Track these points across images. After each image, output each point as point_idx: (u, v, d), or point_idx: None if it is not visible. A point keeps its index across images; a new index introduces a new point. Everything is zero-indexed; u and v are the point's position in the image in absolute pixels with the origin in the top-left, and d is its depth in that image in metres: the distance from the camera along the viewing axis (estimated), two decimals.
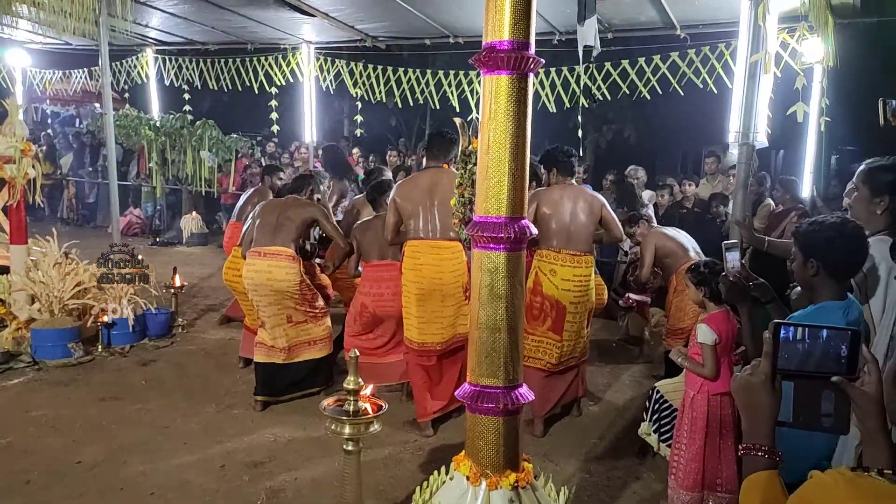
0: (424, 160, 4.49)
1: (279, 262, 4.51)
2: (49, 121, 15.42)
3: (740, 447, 1.33)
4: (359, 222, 5.01)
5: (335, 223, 4.88)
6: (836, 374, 1.25)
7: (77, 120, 15.33)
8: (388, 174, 5.56)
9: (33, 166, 5.71)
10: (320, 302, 4.78)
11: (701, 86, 7.62)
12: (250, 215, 5.00)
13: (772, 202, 7.11)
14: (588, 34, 5.04)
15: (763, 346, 1.30)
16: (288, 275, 4.50)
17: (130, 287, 5.78)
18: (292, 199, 4.90)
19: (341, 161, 7.96)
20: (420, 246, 4.17)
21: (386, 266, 4.57)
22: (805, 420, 1.30)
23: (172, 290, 6.30)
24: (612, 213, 4.52)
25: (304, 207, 4.76)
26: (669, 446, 3.42)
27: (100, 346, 5.55)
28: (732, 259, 2.61)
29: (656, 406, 3.69)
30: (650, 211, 7.04)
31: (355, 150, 11.77)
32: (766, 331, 1.30)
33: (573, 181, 4.56)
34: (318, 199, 5.12)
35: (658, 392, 3.71)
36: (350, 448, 2.59)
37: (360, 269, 4.79)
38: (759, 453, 1.29)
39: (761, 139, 4.40)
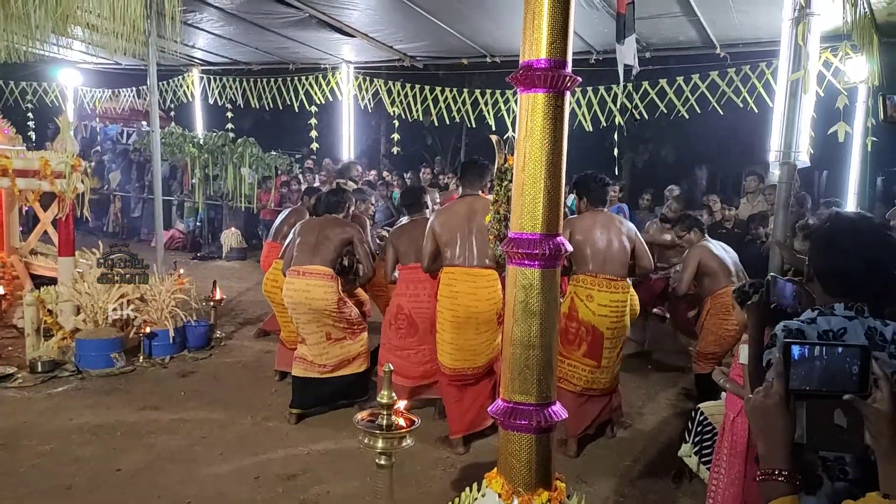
0: (460, 189, 4.51)
1: (317, 282, 4.57)
2: (98, 138, 15.95)
3: (757, 473, 1.29)
4: (394, 227, 5.05)
5: (367, 248, 4.93)
6: (848, 391, 1.23)
7: (123, 133, 15.84)
8: (435, 195, 5.56)
9: (82, 181, 5.91)
10: (358, 318, 4.84)
11: (741, 105, 7.54)
12: (291, 232, 5.08)
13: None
14: (627, 53, 5.03)
15: (775, 367, 1.28)
16: (326, 294, 4.56)
17: (172, 299, 5.91)
18: (331, 218, 4.96)
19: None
20: (456, 273, 4.19)
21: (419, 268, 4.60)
22: (819, 440, 1.27)
23: (212, 304, 6.43)
24: (644, 243, 4.47)
25: (343, 227, 4.83)
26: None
27: (141, 357, 5.68)
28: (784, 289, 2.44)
29: (699, 428, 3.60)
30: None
31: (384, 173, 11.93)
32: (774, 348, 1.28)
33: (604, 209, 4.47)
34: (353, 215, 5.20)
35: (702, 413, 3.63)
36: (383, 462, 2.60)
37: (395, 274, 4.82)
38: (779, 478, 1.25)
39: (803, 158, 4.32)
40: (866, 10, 5.41)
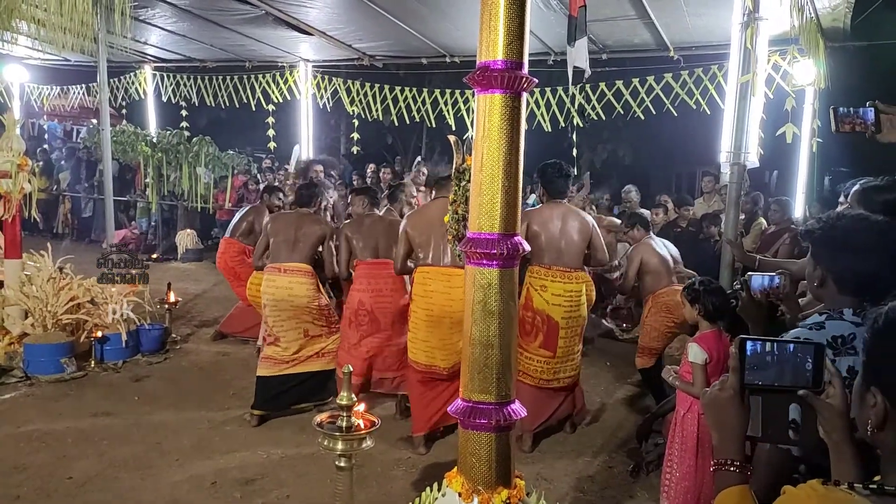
0: (434, 193, 4.61)
1: (299, 279, 4.65)
2: (46, 136, 15.43)
3: (711, 463, 1.33)
4: (348, 221, 5.07)
5: (332, 247, 4.93)
6: (802, 387, 1.27)
7: (73, 131, 15.36)
8: (413, 189, 5.60)
9: (29, 181, 5.72)
10: (335, 317, 4.90)
11: (694, 106, 7.71)
12: (266, 229, 5.01)
13: (764, 221, 7.16)
14: (578, 56, 5.08)
15: (731, 362, 1.31)
16: (308, 291, 4.65)
17: (128, 288, 5.77)
18: (305, 214, 4.99)
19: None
20: (430, 272, 4.25)
21: (384, 264, 4.63)
22: (773, 434, 1.31)
23: (166, 306, 6.30)
24: (601, 236, 4.56)
25: (318, 224, 4.89)
26: None
27: (93, 362, 5.52)
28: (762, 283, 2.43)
29: None
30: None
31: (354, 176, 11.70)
32: (731, 346, 1.32)
33: (564, 201, 4.56)
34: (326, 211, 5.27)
35: None
36: (343, 464, 2.58)
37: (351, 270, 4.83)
38: (731, 468, 1.29)
39: (752, 159, 4.45)
40: (812, 15, 5.59)
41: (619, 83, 8.21)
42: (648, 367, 4.95)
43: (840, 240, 1.77)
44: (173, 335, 6.31)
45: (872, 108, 2.44)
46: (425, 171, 8.51)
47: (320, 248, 4.88)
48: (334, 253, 4.89)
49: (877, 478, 1.10)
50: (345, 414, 2.55)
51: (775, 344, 1.30)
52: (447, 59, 8.75)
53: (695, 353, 3.03)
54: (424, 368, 4.26)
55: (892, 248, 1.72)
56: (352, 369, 2.62)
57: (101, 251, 7.07)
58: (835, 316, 1.75)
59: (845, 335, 1.71)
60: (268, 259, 4.85)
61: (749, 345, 1.29)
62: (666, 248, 5.21)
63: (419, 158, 10.96)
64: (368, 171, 11.16)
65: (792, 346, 1.29)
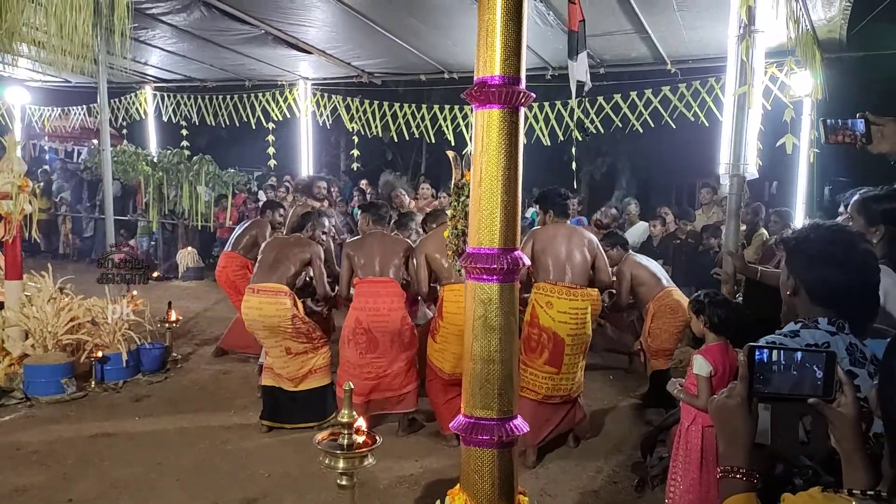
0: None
1: (269, 299, 4.63)
2: (47, 157, 15.50)
3: (718, 470, 1.32)
4: (351, 239, 5.08)
5: (322, 269, 4.94)
6: (813, 396, 1.26)
7: (75, 152, 15.42)
8: (419, 217, 5.71)
9: (30, 202, 5.73)
10: (318, 332, 4.84)
11: (692, 119, 7.74)
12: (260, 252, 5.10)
13: (766, 232, 7.15)
14: (579, 69, 5.16)
15: (739, 370, 1.31)
16: (278, 311, 4.60)
17: (125, 321, 5.75)
18: (295, 237, 5.08)
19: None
20: (463, 290, 4.26)
21: (383, 283, 4.63)
22: (783, 442, 1.30)
23: (167, 325, 6.27)
24: (605, 257, 4.64)
25: (304, 247, 4.90)
26: None
27: (93, 382, 5.49)
28: None
29: None
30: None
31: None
32: (739, 353, 1.31)
33: (567, 221, 4.70)
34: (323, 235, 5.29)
35: None
36: (344, 483, 2.57)
37: (352, 291, 4.83)
38: (738, 476, 1.29)
39: (751, 170, 4.44)
40: (808, 27, 5.62)
41: (618, 97, 8.25)
42: (664, 370, 4.97)
43: (813, 251, 1.76)
44: (174, 354, 6.29)
45: (862, 120, 2.44)
46: (428, 187, 8.62)
47: (309, 271, 4.91)
48: (324, 273, 4.93)
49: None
50: (346, 432, 2.54)
51: (783, 352, 1.29)
52: (445, 76, 8.81)
53: (699, 365, 3.02)
54: (448, 377, 4.42)
55: (863, 263, 1.71)
56: (352, 387, 2.60)
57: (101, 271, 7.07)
58: (810, 325, 1.74)
59: (819, 343, 1.69)
60: None
61: (758, 353, 1.29)
62: (649, 262, 5.36)
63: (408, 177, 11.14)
64: (361, 185, 11.22)
65: (800, 354, 1.28)
